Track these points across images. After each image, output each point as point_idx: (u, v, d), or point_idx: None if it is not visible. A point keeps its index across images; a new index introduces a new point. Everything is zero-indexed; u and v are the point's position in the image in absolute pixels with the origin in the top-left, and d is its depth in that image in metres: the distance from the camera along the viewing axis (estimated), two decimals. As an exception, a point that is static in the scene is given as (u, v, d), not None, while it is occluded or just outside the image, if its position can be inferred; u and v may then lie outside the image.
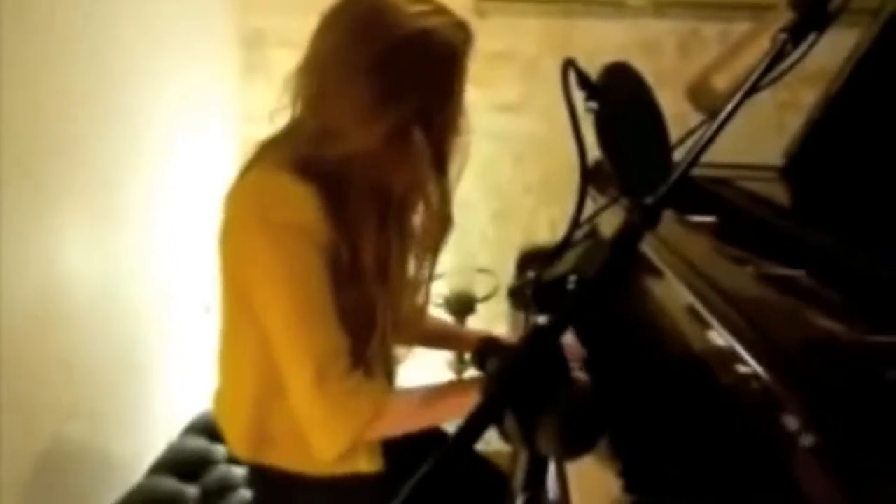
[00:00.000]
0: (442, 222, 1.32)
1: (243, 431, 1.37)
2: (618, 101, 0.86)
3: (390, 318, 1.31)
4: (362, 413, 1.24)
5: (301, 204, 1.20)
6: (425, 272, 1.37)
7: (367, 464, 1.34)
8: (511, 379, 0.60)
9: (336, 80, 1.22)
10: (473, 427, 0.57)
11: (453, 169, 1.30)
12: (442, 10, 1.24)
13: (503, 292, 2.26)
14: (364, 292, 1.27)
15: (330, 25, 1.24)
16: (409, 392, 1.38)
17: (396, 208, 1.29)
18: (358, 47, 1.20)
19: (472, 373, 2.18)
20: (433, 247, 1.35)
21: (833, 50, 1.27)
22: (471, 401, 1.27)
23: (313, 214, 1.20)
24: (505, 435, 0.63)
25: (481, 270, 2.51)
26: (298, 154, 1.23)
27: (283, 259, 1.22)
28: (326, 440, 1.25)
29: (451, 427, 1.51)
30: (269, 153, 1.29)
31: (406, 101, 1.19)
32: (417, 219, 1.33)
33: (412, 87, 1.20)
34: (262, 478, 1.41)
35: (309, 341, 1.22)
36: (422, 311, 1.45)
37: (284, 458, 1.35)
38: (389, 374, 1.48)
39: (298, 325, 1.23)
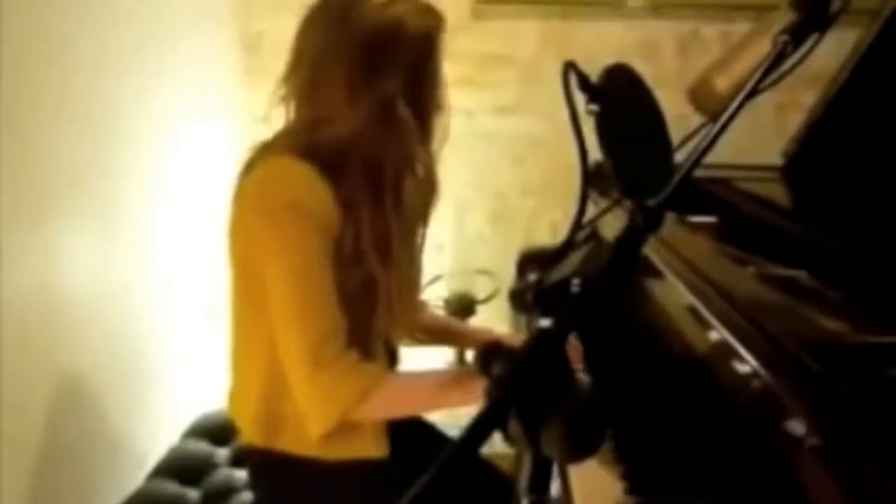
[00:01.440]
0: (430, 190, 1.40)
1: (255, 416, 1.41)
2: (619, 103, 0.86)
3: (394, 294, 1.37)
4: (352, 393, 1.29)
5: (304, 184, 1.28)
6: (419, 242, 1.45)
7: (374, 449, 1.40)
8: (515, 383, 0.60)
9: (321, 72, 1.30)
10: (478, 431, 0.57)
11: (435, 141, 1.39)
12: None
13: (503, 294, 2.26)
14: (366, 270, 1.33)
15: (310, 25, 1.34)
16: (405, 377, 1.44)
17: (391, 184, 1.35)
18: (338, 39, 1.29)
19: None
20: (423, 216, 1.43)
21: (832, 50, 1.27)
22: (465, 395, 1.32)
23: (316, 194, 1.28)
24: (510, 438, 0.63)
25: (481, 272, 2.51)
26: (297, 143, 1.31)
27: (284, 238, 1.28)
28: (316, 416, 1.31)
29: (454, 431, 1.52)
30: (270, 148, 1.36)
31: (388, 80, 1.28)
32: (407, 193, 1.41)
33: (392, 68, 1.29)
34: (272, 464, 1.44)
35: (307, 319, 1.28)
36: (418, 283, 1.52)
37: (294, 443, 1.39)
38: (392, 356, 1.53)
39: (297, 303, 1.28)
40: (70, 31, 1.67)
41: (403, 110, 1.30)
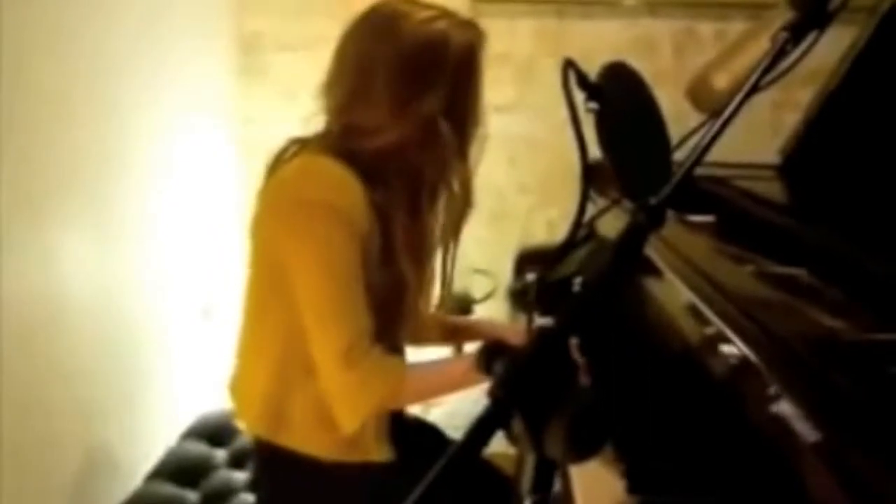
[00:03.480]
0: (464, 203, 1.40)
1: (259, 411, 1.42)
2: (618, 101, 0.87)
3: (424, 298, 1.43)
4: (384, 390, 1.32)
5: (337, 183, 1.29)
6: (450, 252, 1.47)
7: (377, 453, 1.41)
8: (519, 382, 0.60)
9: (365, 84, 1.31)
10: (482, 431, 0.57)
11: (472, 156, 1.40)
12: (448, 13, 1.34)
13: (501, 293, 2.25)
14: (397, 274, 1.36)
15: (350, 39, 1.34)
16: (426, 364, 1.46)
17: (428, 195, 1.39)
18: (384, 52, 1.30)
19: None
20: (456, 228, 1.44)
21: (829, 48, 1.27)
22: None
23: (348, 195, 1.29)
24: (512, 438, 0.63)
25: (478, 271, 2.51)
26: (335, 147, 1.32)
27: (318, 237, 1.29)
28: (350, 414, 1.32)
29: (457, 433, 1.53)
30: (305, 147, 1.37)
31: (430, 96, 1.30)
32: (441, 204, 1.43)
33: (435, 84, 1.30)
34: (274, 459, 1.45)
35: (341, 318, 1.29)
36: (449, 290, 1.54)
37: (299, 441, 1.40)
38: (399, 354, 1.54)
39: (330, 301, 1.30)
40: (69, 33, 1.67)
41: (444, 126, 1.31)
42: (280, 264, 1.32)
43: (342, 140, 1.33)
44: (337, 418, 1.33)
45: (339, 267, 1.29)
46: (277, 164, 1.38)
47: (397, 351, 1.52)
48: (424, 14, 1.31)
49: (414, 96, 1.29)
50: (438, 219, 1.43)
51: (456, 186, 1.39)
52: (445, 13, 1.34)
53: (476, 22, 1.37)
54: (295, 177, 1.33)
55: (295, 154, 1.36)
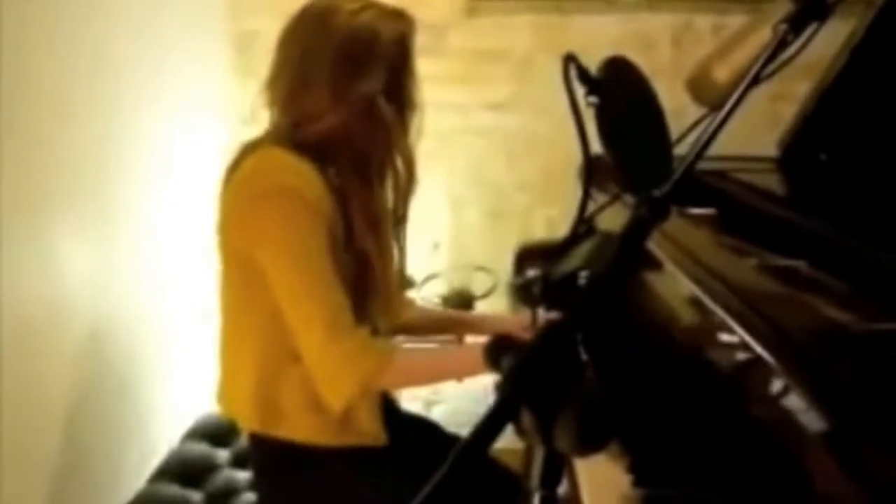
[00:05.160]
0: (409, 181, 1.47)
1: (250, 405, 1.43)
2: (619, 95, 0.87)
3: (388, 277, 1.46)
4: (370, 366, 1.33)
5: (296, 171, 1.34)
6: (402, 229, 1.51)
7: (371, 437, 1.44)
8: (527, 376, 0.60)
9: (305, 76, 1.38)
10: (490, 425, 0.57)
11: (412, 136, 1.48)
12: (377, 4, 1.42)
13: (501, 290, 2.26)
14: (360, 253, 1.40)
15: (290, 34, 1.42)
16: (416, 350, 1.50)
17: (377, 173, 1.44)
18: (318, 46, 1.37)
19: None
20: (404, 204, 1.49)
21: (826, 41, 1.28)
22: (478, 364, 1.36)
23: (308, 180, 1.34)
24: (521, 432, 0.63)
25: (479, 268, 2.51)
26: (285, 138, 1.39)
27: (282, 222, 1.33)
28: (335, 390, 1.35)
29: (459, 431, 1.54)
30: (257, 146, 1.41)
31: (366, 80, 1.37)
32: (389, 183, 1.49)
33: (369, 69, 1.37)
34: (270, 452, 1.46)
35: (319, 295, 1.32)
36: (403, 272, 1.58)
37: (292, 429, 1.42)
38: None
39: (303, 281, 1.33)
40: (69, 33, 1.67)
41: (385, 106, 1.39)
42: (250, 260, 1.35)
43: (291, 131, 1.39)
44: (323, 396, 1.35)
45: (308, 247, 1.33)
46: (233, 169, 1.41)
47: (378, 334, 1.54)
48: (352, 6, 1.39)
49: (350, 82, 1.36)
50: (388, 197, 1.48)
51: (400, 165, 1.45)
52: (372, 3, 1.40)
53: (405, 11, 1.43)
54: (252, 173, 1.38)
55: (249, 154, 1.40)
